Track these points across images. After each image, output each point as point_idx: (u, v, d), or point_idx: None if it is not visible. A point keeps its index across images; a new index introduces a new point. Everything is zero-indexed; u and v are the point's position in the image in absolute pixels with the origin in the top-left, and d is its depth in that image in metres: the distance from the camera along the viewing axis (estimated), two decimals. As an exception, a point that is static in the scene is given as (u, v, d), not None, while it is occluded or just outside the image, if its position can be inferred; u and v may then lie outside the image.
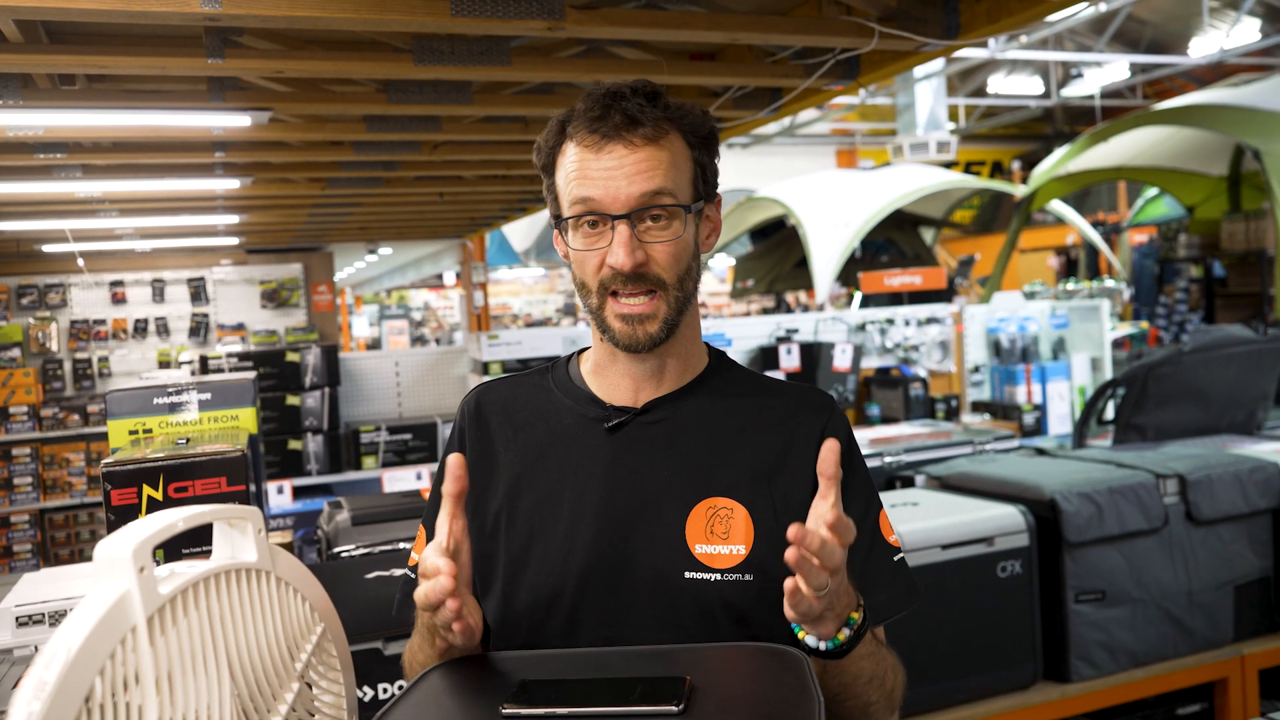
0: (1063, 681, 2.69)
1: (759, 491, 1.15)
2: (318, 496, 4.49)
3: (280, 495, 4.61)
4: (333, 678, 0.91)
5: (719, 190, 1.21)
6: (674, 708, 0.83)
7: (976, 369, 5.76)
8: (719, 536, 1.13)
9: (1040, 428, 5.25)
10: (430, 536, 1.24)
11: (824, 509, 0.95)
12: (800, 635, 1.02)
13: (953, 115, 14.50)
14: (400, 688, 1.79)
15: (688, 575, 1.12)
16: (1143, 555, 2.74)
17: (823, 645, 1.01)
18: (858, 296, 6.84)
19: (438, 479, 1.23)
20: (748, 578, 1.12)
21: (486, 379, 1.36)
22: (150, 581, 0.72)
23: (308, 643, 0.88)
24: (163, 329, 7.34)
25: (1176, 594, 2.78)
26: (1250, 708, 2.84)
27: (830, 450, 0.96)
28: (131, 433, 2.09)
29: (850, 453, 1.19)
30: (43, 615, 1.73)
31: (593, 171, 1.09)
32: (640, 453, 1.17)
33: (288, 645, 0.85)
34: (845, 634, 1.01)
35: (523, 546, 0.99)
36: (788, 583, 0.93)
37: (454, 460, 1.00)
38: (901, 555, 1.18)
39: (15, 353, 6.76)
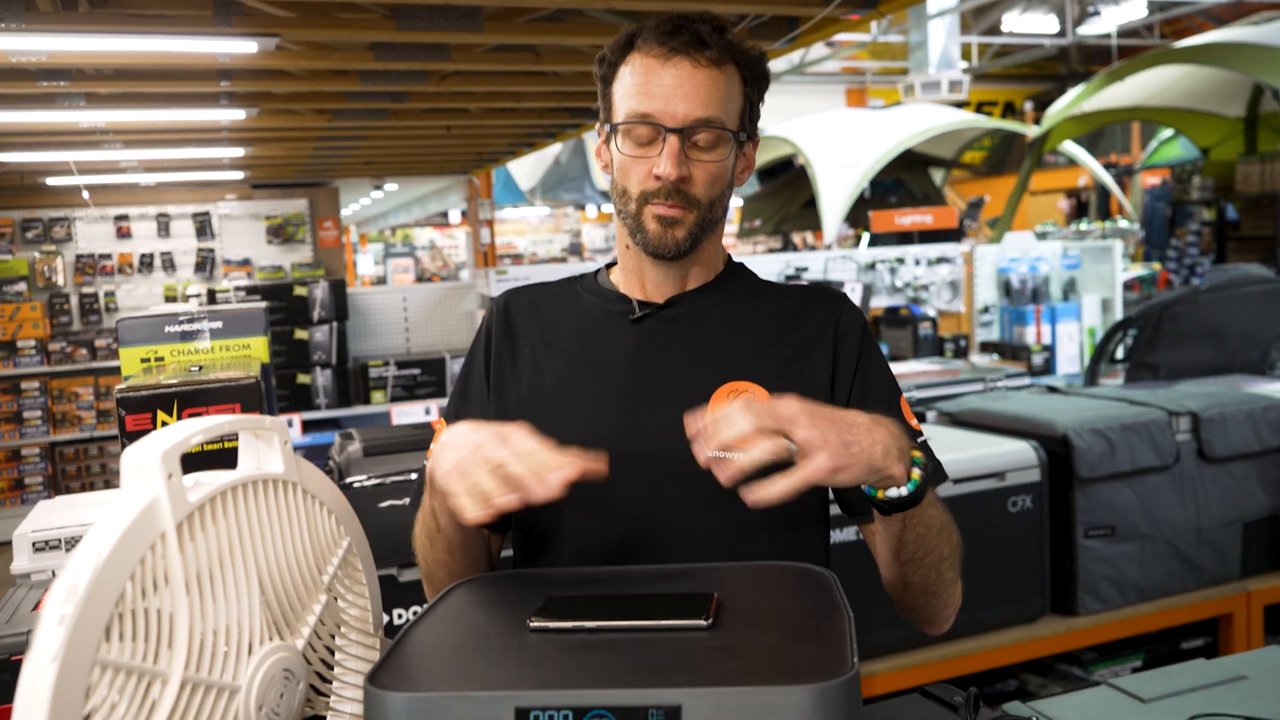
0: (1069, 615, 2.71)
1: (778, 376, 1.20)
2: (327, 430, 4.51)
3: (290, 429, 4.62)
4: (359, 591, 0.91)
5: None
6: (702, 622, 0.82)
7: (986, 309, 5.73)
8: None
9: (1049, 368, 5.24)
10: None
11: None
12: (879, 495, 1.03)
13: (965, 54, 14.25)
14: (415, 614, 1.80)
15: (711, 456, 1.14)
16: (1153, 492, 2.74)
17: (903, 490, 1.01)
18: (866, 237, 6.79)
19: (465, 371, 1.29)
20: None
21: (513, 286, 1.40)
22: (178, 488, 0.71)
23: (334, 556, 0.87)
24: (169, 264, 7.30)
25: (1186, 530, 2.78)
26: (1254, 643, 2.87)
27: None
28: (144, 360, 2.08)
29: (867, 342, 1.24)
30: (59, 541, 1.74)
31: (654, 84, 1.13)
32: (664, 342, 1.22)
33: (314, 557, 0.84)
34: (917, 473, 1.01)
35: (548, 430, 1.00)
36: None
37: (601, 471, 1.01)
38: (925, 439, 1.20)
39: (21, 286, 6.74)
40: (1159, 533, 2.76)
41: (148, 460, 0.70)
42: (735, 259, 1.31)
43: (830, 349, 1.22)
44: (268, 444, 0.82)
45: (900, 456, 1.00)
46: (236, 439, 0.83)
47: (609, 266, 1.31)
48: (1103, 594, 2.72)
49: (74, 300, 6.96)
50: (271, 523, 0.79)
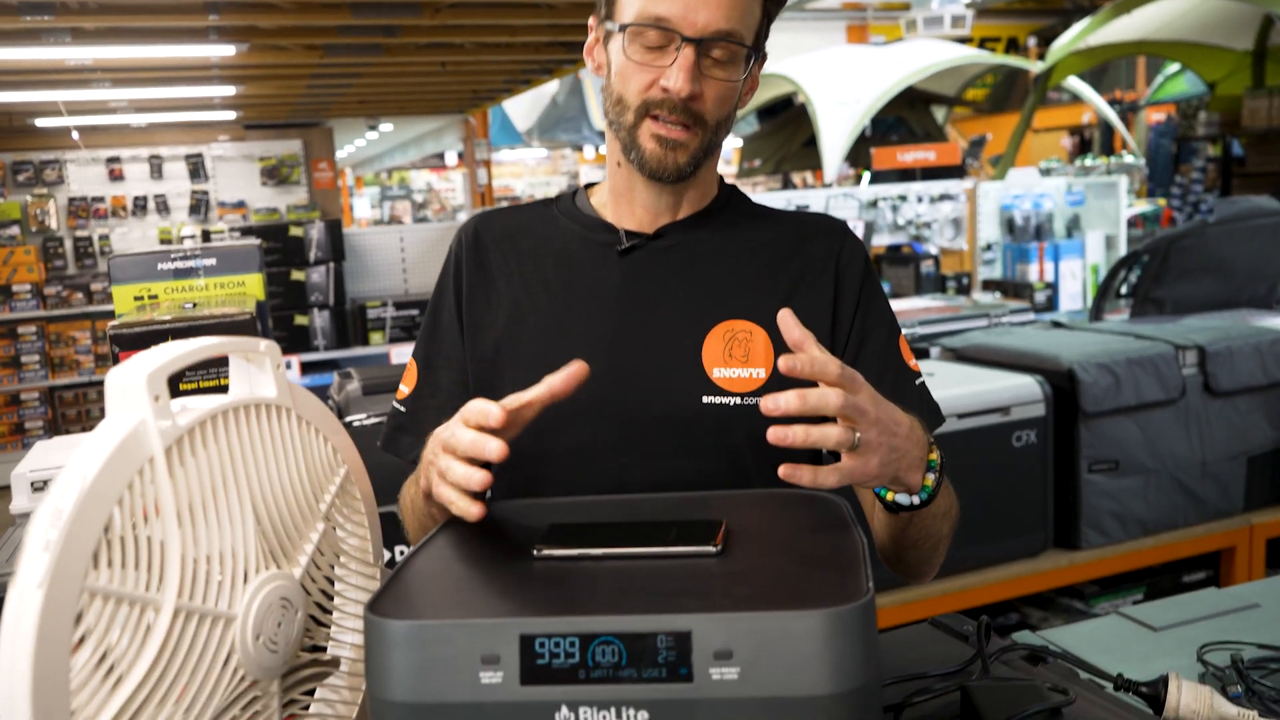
0: (1072, 549, 2.70)
1: (776, 316, 1.12)
2: (326, 372, 4.48)
3: (289, 370, 4.59)
4: (358, 520, 0.88)
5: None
6: (711, 548, 0.80)
7: (989, 247, 5.67)
8: (738, 359, 1.11)
9: (1052, 306, 5.20)
10: (422, 370, 1.21)
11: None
12: (889, 497, 0.99)
13: (969, -12, 13.97)
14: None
15: (705, 400, 1.10)
16: (1158, 426, 2.72)
17: (915, 499, 0.97)
18: (867, 176, 6.70)
19: (434, 306, 1.20)
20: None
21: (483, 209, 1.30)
22: (166, 411, 0.68)
23: (331, 484, 0.85)
24: (162, 207, 7.23)
25: (1190, 464, 2.77)
26: (1255, 576, 2.87)
27: (787, 317, 0.89)
28: (137, 298, 2.05)
29: (869, 278, 1.18)
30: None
31: None
32: (654, 276, 1.14)
33: (311, 485, 0.82)
34: (931, 478, 0.97)
35: (529, 375, 0.93)
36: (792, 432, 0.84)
37: (579, 368, 0.92)
38: (923, 379, 1.17)
39: (14, 230, 6.68)
40: (1163, 467, 2.75)
41: (133, 382, 0.67)
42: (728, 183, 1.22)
43: (831, 284, 1.15)
44: (259, 368, 0.79)
45: (919, 464, 0.95)
46: (230, 377, 0.80)
47: (588, 188, 1.22)
48: (1106, 528, 2.72)
49: (68, 244, 6.90)
50: (265, 448, 0.76)
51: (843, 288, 1.16)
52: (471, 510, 0.87)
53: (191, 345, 0.72)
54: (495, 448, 0.86)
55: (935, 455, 0.98)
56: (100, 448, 0.64)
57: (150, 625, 0.65)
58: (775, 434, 0.84)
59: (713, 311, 1.13)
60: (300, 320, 4.68)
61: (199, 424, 0.70)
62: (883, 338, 1.16)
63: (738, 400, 1.10)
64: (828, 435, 0.85)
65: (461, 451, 0.88)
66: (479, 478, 0.87)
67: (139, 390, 0.67)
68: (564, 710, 0.69)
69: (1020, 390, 2.61)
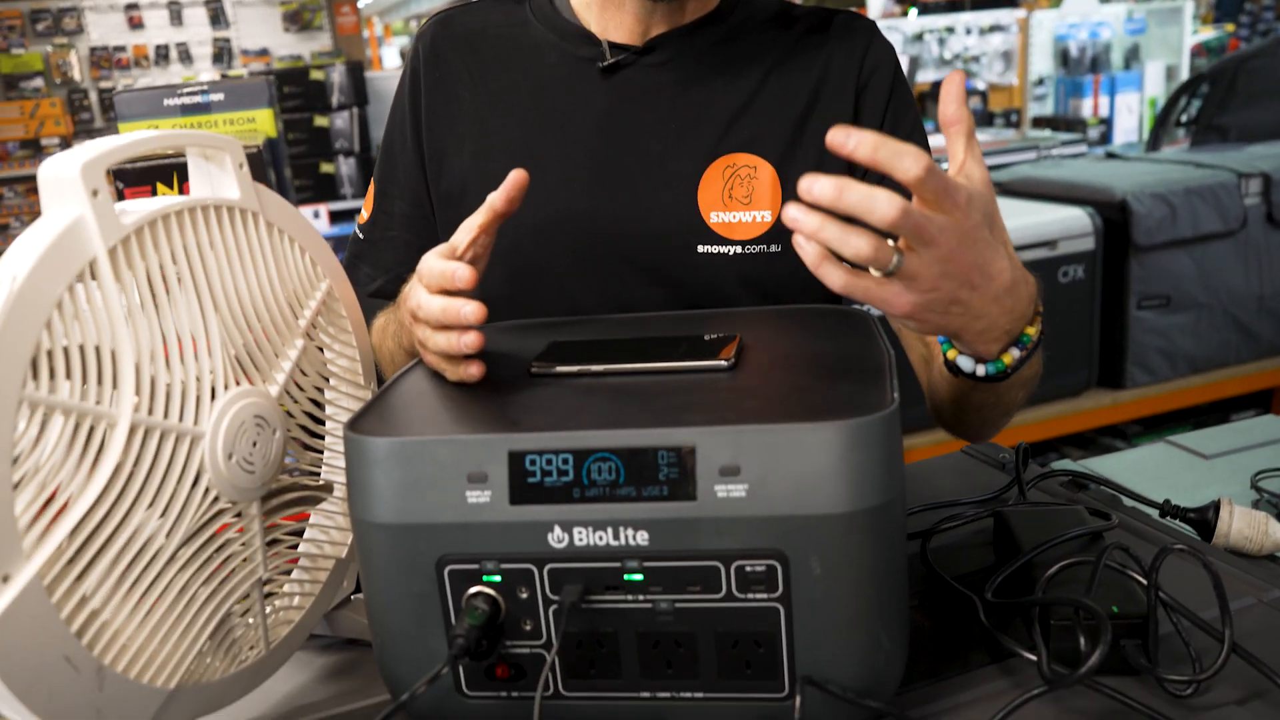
0: (1116, 388, 2.63)
1: (788, 145, 0.98)
2: (353, 221, 4.41)
3: (317, 220, 4.53)
4: (345, 340, 0.82)
5: None
6: (722, 362, 0.73)
7: (1041, 81, 5.39)
8: (739, 201, 0.98)
9: (1106, 142, 4.96)
10: (378, 197, 1.09)
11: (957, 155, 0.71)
12: (950, 355, 0.80)
13: None
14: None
15: (701, 249, 0.98)
16: (1215, 259, 2.59)
17: (979, 370, 0.78)
18: (914, 11, 6.35)
19: (389, 126, 1.07)
20: (774, 249, 0.97)
21: (445, 6, 1.10)
22: (107, 208, 0.61)
23: (311, 299, 0.78)
24: (185, 55, 7.05)
25: (1246, 299, 2.65)
26: (1308, 415, 2.79)
27: (952, 86, 0.69)
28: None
29: (898, 89, 1.02)
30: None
31: None
32: (642, 100, 0.99)
33: (286, 299, 0.75)
34: (1014, 355, 0.77)
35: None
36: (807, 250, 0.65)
37: (518, 176, 0.79)
38: None
39: (38, 82, 6.56)
40: (1217, 301, 2.63)
41: (66, 173, 0.59)
42: None
43: (851, 100, 1.00)
44: (220, 167, 0.71)
45: (1003, 336, 0.75)
46: (190, 179, 0.72)
47: None
48: (1152, 366, 2.63)
49: (93, 96, 6.79)
50: (229, 254, 0.69)
51: (865, 102, 1.01)
52: (469, 373, 0.75)
53: (135, 136, 0.65)
54: (472, 310, 0.73)
55: (1034, 329, 0.77)
56: (32, 246, 0.57)
57: (105, 442, 0.60)
58: (788, 213, 0.64)
59: (711, 144, 0.99)
60: (326, 168, 4.58)
61: (148, 223, 0.64)
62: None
63: (738, 249, 0.98)
64: (848, 240, 0.63)
65: (435, 323, 0.75)
66: (469, 340, 0.74)
67: (74, 183, 0.59)
68: (557, 531, 0.64)
69: (1068, 223, 2.48)
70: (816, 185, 0.62)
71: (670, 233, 0.98)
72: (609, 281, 0.99)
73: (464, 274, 0.74)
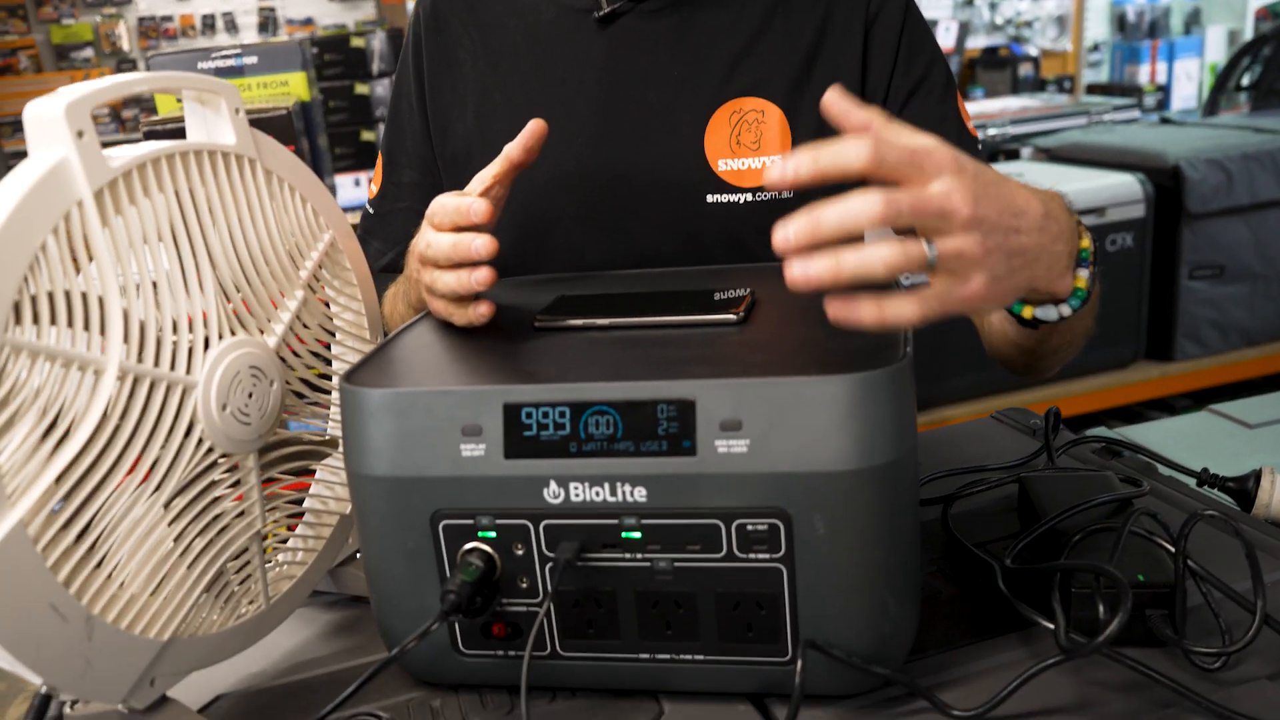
0: (1165, 360, 2.55)
1: (795, 87, 0.95)
2: (394, 189, 4.41)
3: (358, 188, 4.53)
4: (351, 294, 0.81)
5: None
6: (731, 316, 0.70)
7: (1096, 47, 5.25)
8: (748, 147, 0.95)
9: (1162, 111, 4.81)
10: (386, 168, 1.08)
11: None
12: (1026, 313, 0.73)
13: None
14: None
15: (710, 199, 0.95)
16: (1273, 227, 2.50)
17: (1064, 310, 0.71)
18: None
19: (394, 95, 1.05)
20: (787, 195, 0.94)
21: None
22: (93, 150, 0.59)
23: (313, 250, 0.77)
24: (230, 25, 7.11)
25: (1304, 269, 2.56)
26: (1367, 390, 2.69)
27: (834, 101, 0.61)
28: (179, 100, 1.99)
29: (910, 17, 0.97)
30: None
31: None
32: (641, 48, 0.96)
33: (285, 249, 0.74)
34: (1083, 276, 0.70)
35: None
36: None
37: (536, 126, 0.78)
38: (981, 146, 0.99)
39: (88, 53, 6.65)
40: (1273, 271, 2.54)
41: (50, 114, 0.58)
42: None
43: (860, 35, 0.96)
44: (215, 112, 0.70)
45: (1067, 263, 0.68)
46: (186, 123, 0.71)
47: None
48: (1203, 338, 2.55)
49: (141, 66, 6.86)
50: (224, 201, 0.68)
51: (875, 39, 0.96)
52: (479, 313, 0.74)
53: (125, 78, 0.63)
54: (483, 244, 0.71)
55: (1086, 240, 0.70)
56: (14, 187, 0.56)
57: (94, 389, 0.59)
58: (790, 274, 0.59)
59: (714, 89, 0.95)
60: (367, 136, 4.57)
61: (137, 167, 0.62)
62: (937, 98, 0.96)
63: (748, 197, 0.94)
64: (871, 257, 0.57)
65: (444, 260, 0.73)
66: (479, 276, 0.72)
67: (58, 123, 0.58)
68: (553, 486, 0.62)
69: (1118, 189, 2.41)
70: (792, 224, 0.58)
71: (677, 183, 0.95)
72: (618, 237, 0.97)
73: (479, 207, 0.72)
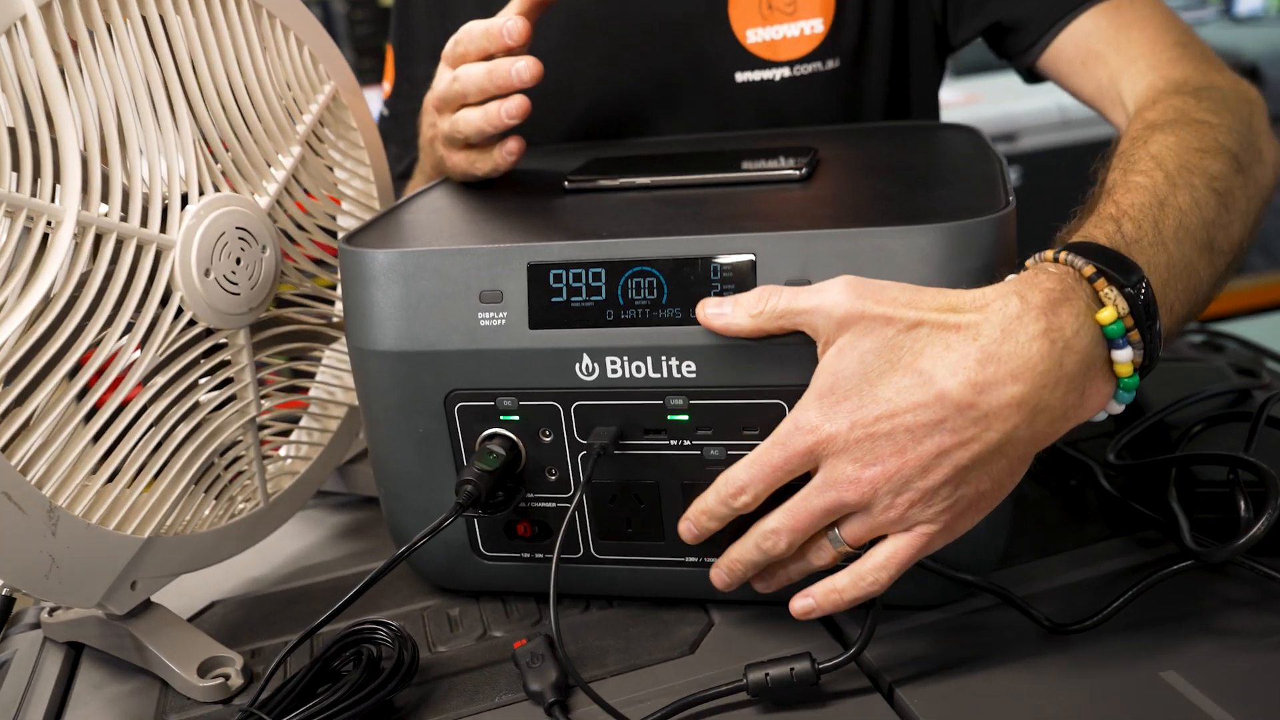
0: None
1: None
2: (422, 103, 4.28)
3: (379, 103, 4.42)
4: (358, 157, 0.71)
5: None
6: (794, 171, 0.60)
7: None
8: (781, 11, 0.81)
9: (1228, 8, 4.56)
10: (399, 63, 0.97)
11: None
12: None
13: None
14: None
15: (740, 77, 0.82)
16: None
17: (1115, 408, 0.48)
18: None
19: None
20: (832, 64, 0.81)
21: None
22: (39, -42, 0.50)
23: (311, 103, 0.67)
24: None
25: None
26: None
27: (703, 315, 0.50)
28: None
29: None
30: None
31: None
32: None
33: (279, 98, 0.64)
34: (1123, 359, 0.46)
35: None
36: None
37: None
38: None
39: None
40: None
41: (-17, -89, 0.48)
42: None
43: None
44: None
45: (1075, 405, 0.46)
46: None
47: None
48: (1273, 250, 2.40)
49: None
50: (204, 36, 0.58)
51: None
52: (507, 150, 0.65)
53: (78, -121, 0.53)
54: (525, 66, 0.61)
55: (1110, 312, 0.45)
56: (-59, -3, 0.47)
57: (48, 242, 0.50)
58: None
59: None
60: (394, 48, 4.45)
61: (95, -14, 0.52)
62: None
63: (785, 72, 0.81)
64: (764, 547, 0.50)
65: (476, 92, 0.63)
66: (511, 106, 0.62)
67: (-6, -76, 0.48)
68: (586, 360, 0.52)
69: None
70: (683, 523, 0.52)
71: (701, 61, 0.82)
72: (638, 128, 0.85)
73: (516, 26, 0.61)
